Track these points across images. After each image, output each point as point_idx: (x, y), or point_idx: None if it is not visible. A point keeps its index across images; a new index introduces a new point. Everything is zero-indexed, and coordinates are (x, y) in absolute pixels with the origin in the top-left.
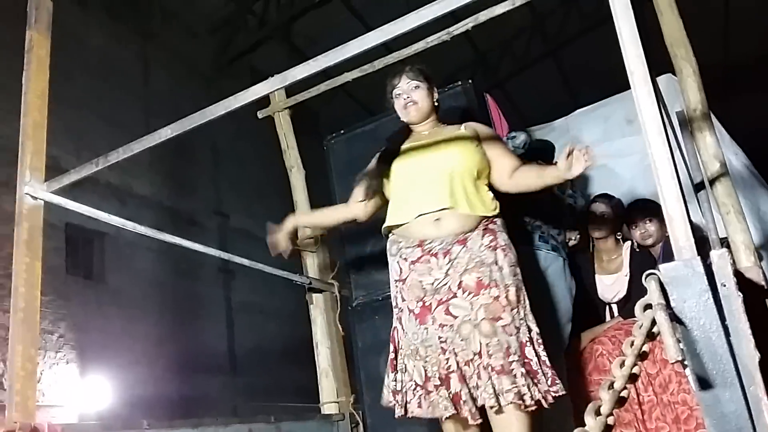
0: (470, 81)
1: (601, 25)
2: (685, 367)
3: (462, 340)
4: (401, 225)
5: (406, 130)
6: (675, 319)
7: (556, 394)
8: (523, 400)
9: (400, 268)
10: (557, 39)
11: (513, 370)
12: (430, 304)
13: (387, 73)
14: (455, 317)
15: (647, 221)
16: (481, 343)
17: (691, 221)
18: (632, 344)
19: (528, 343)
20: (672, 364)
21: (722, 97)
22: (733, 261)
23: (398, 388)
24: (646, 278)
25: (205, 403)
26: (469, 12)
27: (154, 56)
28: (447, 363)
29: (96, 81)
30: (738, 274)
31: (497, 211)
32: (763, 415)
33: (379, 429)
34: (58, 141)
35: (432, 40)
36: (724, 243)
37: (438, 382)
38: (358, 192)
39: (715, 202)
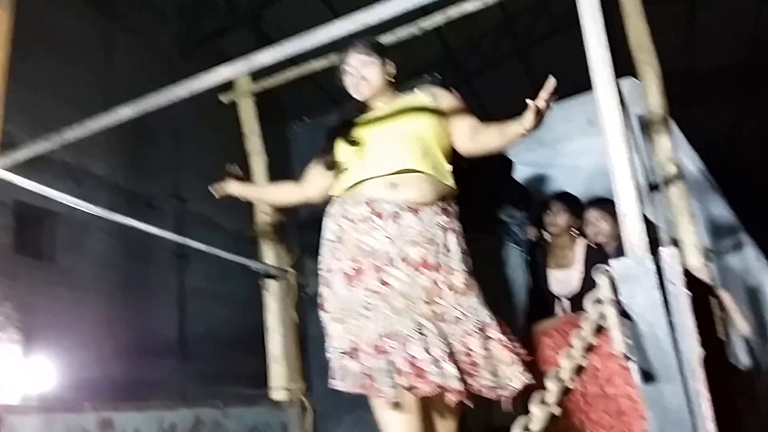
0: (438, 75)
1: (568, 28)
2: (630, 360)
3: (392, 311)
4: (349, 188)
5: (362, 105)
6: (623, 314)
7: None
8: (455, 391)
9: (339, 226)
10: (525, 39)
11: (456, 358)
12: (361, 267)
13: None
14: (387, 285)
15: (601, 219)
16: (419, 324)
17: (647, 220)
18: (580, 336)
19: (475, 333)
20: (616, 357)
21: (683, 106)
22: (683, 261)
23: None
24: (597, 273)
25: (154, 387)
26: (439, 7)
27: (118, 37)
28: (360, 332)
29: (56, 60)
30: (686, 273)
31: (455, 189)
32: (701, 409)
33: (329, 416)
34: (13, 118)
35: (402, 33)
36: (675, 243)
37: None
38: (315, 168)
39: (668, 204)
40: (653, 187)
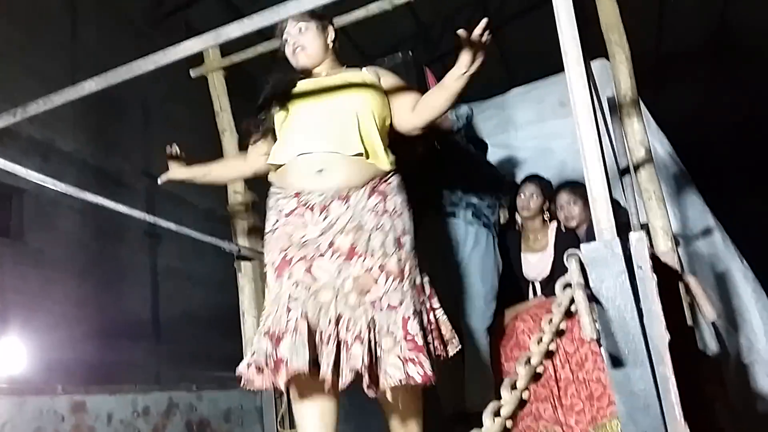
0: (410, 52)
1: (540, 7)
2: (599, 345)
3: (316, 305)
4: (280, 166)
5: (305, 72)
6: (592, 298)
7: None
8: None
9: (275, 219)
10: (498, 17)
11: (375, 345)
12: (291, 258)
13: None
14: (315, 279)
15: (572, 203)
16: (341, 316)
17: (618, 204)
18: (550, 321)
19: (414, 317)
20: (588, 342)
21: (653, 88)
22: (651, 245)
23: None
24: (567, 257)
25: (127, 369)
26: None
27: (83, 7)
28: (288, 323)
29: (20, 31)
30: (654, 257)
31: (392, 167)
32: (669, 394)
33: None
34: None
35: (373, 8)
36: (644, 228)
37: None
38: (254, 141)
39: (638, 188)
40: (623, 171)
